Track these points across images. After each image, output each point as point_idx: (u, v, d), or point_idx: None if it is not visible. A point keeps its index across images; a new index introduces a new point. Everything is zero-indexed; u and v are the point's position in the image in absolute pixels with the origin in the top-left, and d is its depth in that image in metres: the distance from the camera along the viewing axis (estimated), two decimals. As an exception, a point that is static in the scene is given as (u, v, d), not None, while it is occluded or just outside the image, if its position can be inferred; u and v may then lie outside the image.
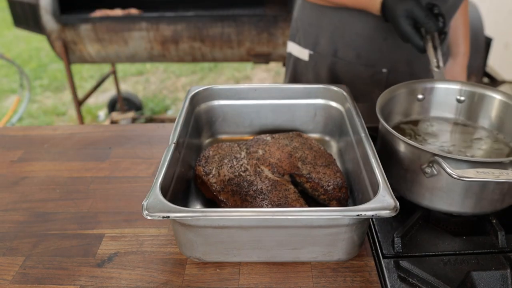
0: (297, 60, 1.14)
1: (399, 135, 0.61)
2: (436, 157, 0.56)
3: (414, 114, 0.79)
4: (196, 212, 0.51)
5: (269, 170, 0.68)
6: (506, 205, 0.62)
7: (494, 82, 2.26)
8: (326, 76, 1.09)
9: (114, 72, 2.70)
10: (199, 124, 0.82)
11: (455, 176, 0.52)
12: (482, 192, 0.59)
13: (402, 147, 0.63)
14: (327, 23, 1.03)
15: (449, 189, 0.59)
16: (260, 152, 0.71)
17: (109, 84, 3.31)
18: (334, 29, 1.02)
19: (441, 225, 0.64)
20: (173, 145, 0.64)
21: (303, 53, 1.11)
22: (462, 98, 0.77)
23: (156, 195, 0.53)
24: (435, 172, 0.58)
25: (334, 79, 1.08)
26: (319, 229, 0.54)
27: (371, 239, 0.62)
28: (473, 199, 0.60)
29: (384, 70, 1.03)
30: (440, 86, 0.77)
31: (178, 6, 2.25)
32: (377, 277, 0.57)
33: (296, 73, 1.16)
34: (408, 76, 1.03)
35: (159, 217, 0.51)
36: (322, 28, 1.04)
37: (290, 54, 1.16)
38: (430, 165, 0.58)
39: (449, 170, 0.53)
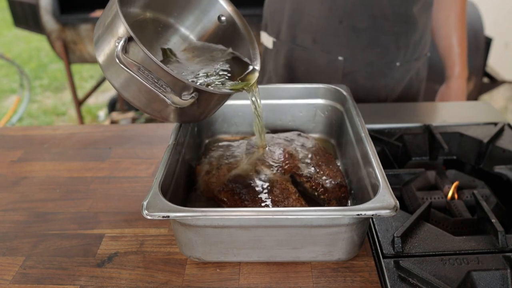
0: (265, 49, 1.14)
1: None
2: None
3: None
4: (196, 212, 0.51)
5: (269, 170, 0.68)
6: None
7: (494, 82, 2.26)
8: (283, 64, 1.08)
9: (114, 72, 2.69)
10: (199, 124, 0.82)
11: None
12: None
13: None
14: (288, 8, 1.03)
15: None
16: (260, 151, 0.71)
17: (109, 84, 3.29)
18: (293, 13, 1.02)
19: (441, 225, 0.64)
20: (173, 145, 0.64)
21: (269, 41, 1.11)
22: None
23: (156, 195, 0.53)
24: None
25: (290, 68, 1.07)
26: (319, 229, 0.54)
27: (371, 239, 0.62)
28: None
29: (340, 58, 1.01)
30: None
31: (178, 6, 2.25)
32: (377, 277, 0.57)
33: (264, 62, 1.16)
34: (365, 66, 1.02)
35: (159, 217, 0.51)
36: (284, 13, 1.04)
37: (261, 44, 1.17)
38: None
39: None
